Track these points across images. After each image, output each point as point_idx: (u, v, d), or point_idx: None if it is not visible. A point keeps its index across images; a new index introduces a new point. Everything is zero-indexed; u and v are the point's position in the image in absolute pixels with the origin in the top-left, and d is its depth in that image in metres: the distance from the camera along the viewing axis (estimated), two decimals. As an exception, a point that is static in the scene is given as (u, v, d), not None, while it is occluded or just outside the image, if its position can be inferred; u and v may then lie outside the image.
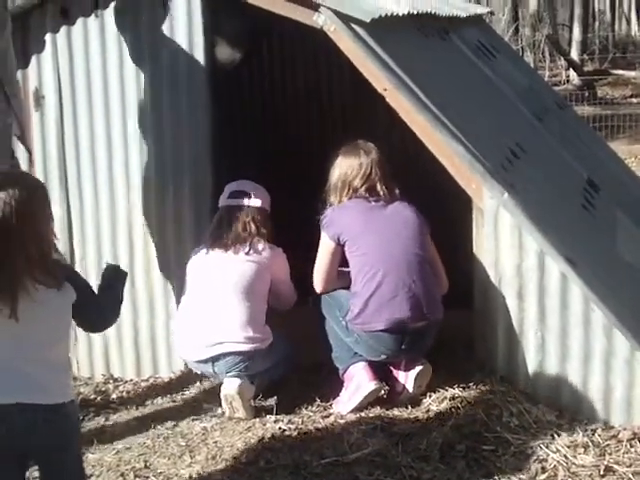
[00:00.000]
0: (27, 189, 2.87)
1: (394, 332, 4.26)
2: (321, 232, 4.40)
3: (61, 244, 4.93)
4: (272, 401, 4.45)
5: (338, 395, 4.40)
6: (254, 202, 4.45)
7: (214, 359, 4.35)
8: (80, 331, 4.96)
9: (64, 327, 3.03)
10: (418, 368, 4.33)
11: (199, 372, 4.51)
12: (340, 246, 4.35)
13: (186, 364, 4.67)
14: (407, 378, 4.32)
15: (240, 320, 4.33)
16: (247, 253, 4.38)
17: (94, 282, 4.72)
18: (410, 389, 4.31)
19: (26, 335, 2.87)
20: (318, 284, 4.44)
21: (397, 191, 4.44)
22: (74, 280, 3.02)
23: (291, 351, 4.54)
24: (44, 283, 2.86)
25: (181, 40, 4.71)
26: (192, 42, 4.71)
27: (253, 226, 4.42)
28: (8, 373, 2.86)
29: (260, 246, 4.40)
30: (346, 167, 4.44)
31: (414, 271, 4.28)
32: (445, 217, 5.35)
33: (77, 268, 4.89)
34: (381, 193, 4.39)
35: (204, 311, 4.37)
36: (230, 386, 4.30)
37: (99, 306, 3.15)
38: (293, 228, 4.81)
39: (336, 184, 4.45)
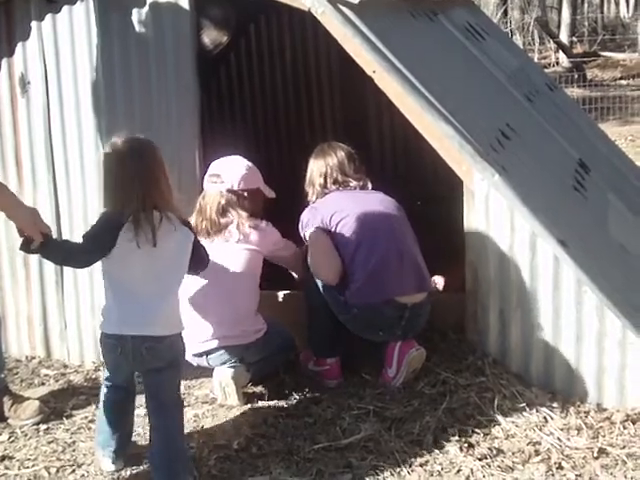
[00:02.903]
0: (153, 146, 3.56)
1: (396, 305, 4.28)
2: (304, 231, 4.42)
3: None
4: (263, 387, 4.42)
5: (328, 380, 4.43)
6: (224, 186, 4.35)
7: (208, 352, 4.32)
8: (70, 319, 4.97)
9: (185, 262, 3.63)
10: (412, 353, 4.31)
11: (195, 364, 4.46)
12: (328, 232, 4.35)
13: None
14: (401, 363, 4.30)
15: (233, 313, 4.30)
16: (232, 240, 4.32)
17: (84, 269, 4.71)
18: (404, 374, 4.30)
19: (160, 261, 3.51)
20: (328, 274, 4.34)
21: (370, 184, 4.57)
22: (189, 226, 3.69)
23: (289, 341, 4.52)
24: (174, 214, 3.54)
25: (168, 24, 4.66)
26: (179, 25, 4.66)
27: (231, 210, 4.34)
28: (134, 304, 3.50)
29: (246, 230, 4.32)
30: (315, 168, 4.57)
31: (410, 243, 4.41)
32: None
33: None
34: (353, 184, 4.51)
35: (196, 304, 4.31)
36: (225, 372, 4.28)
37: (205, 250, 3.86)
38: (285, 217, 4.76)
39: (308, 184, 4.61)
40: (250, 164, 4.48)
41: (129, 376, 3.74)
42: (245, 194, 4.40)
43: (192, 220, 4.36)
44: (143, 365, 3.60)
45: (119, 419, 3.78)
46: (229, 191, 4.36)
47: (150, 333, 3.52)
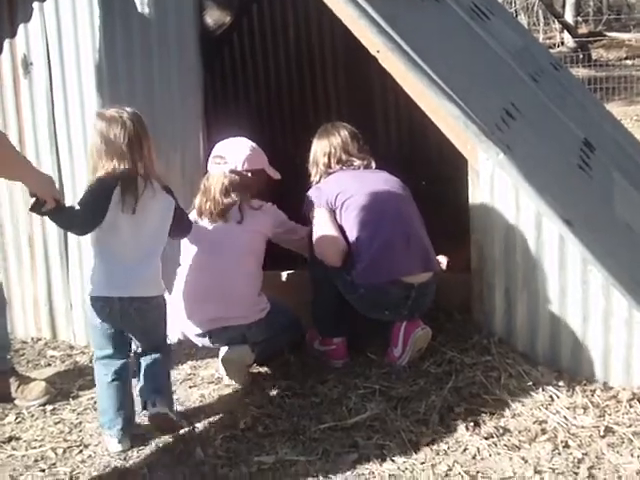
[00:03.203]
0: (139, 115, 3.76)
1: (403, 285, 4.28)
2: (309, 211, 4.40)
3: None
4: (269, 367, 4.43)
5: (338, 358, 4.44)
6: (227, 167, 4.35)
7: (212, 333, 4.33)
8: (75, 300, 4.97)
9: (167, 227, 3.85)
10: (418, 332, 4.31)
11: (199, 345, 4.47)
12: (333, 212, 4.33)
13: (183, 333, 4.64)
14: (407, 342, 4.30)
15: (236, 293, 4.30)
16: (239, 222, 4.32)
17: (89, 250, 4.73)
18: (409, 353, 4.30)
19: (144, 226, 3.74)
20: (333, 255, 4.30)
21: (374, 163, 4.54)
22: (171, 193, 3.87)
23: (293, 321, 4.53)
24: (157, 181, 3.76)
25: (171, 4, 4.64)
26: (182, 6, 4.64)
27: (235, 191, 4.33)
28: (120, 267, 3.73)
29: (249, 211, 4.33)
30: (319, 148, 4.55)
31: (416, 223, 4.40)
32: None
33: (70, 236, 4.87)
34: (357, 164, 4.50)
35: (199, 284, 4.32)
36: (230, 351, 4.29)
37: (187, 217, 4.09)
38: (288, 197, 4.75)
39: (312, 164, 4.58)
40: (254, 145, 4.47)
41: (120, 344, 3.86)
42: (249, 175, 4.39)
43: (196, 201, 4.37)
44: (131, 325, 3.82)
45: (119, 395, 3.84)
46: (233, 172, 4.35)
47: (138, 294, 3.76)
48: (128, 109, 3.74)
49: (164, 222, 3.84)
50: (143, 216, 3.71)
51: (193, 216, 4.36)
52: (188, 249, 4.36)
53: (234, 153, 4.39)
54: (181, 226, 3.99)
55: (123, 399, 3.84)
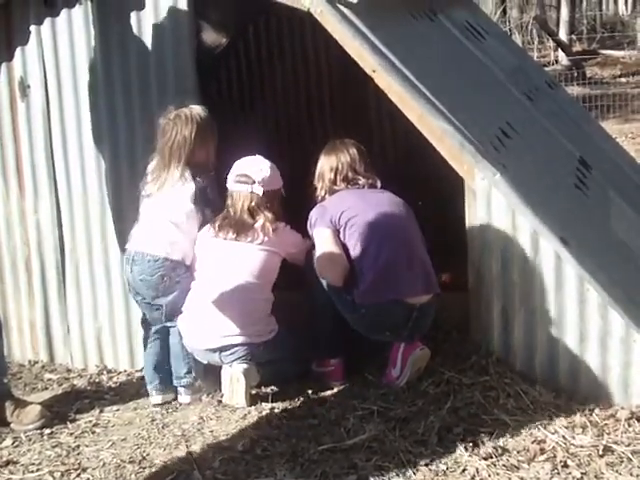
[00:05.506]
0: (189, 118, 4.38)
1: (405, 306, 4.28)
2: (312, 229, 4.40)
3: (51, 236, 4.91)
4: (268, 389, 4.42)
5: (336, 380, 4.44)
6: (257, 189, 4.38)
7: (222, 349, 4.34)
8: (72, 322, 4.96)
9: (181, 212, 4.39)
10: (417, 352, 4.31)
11: (205, 362, 4.47)
12: (337, 231, 4.33)
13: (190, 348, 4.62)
14: (405, 362, 4.30)
15: (250, 312, 4.34)
16: (255, 241, 4.35)
17: (86, 273, 4.75)
18: (408, 373, 4.29)
19: (160, 208, 4.39)
20: (334, 275, 4.32)
21: (379, 182, 4.54)
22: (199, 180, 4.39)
23: (300, 351, 4.51)
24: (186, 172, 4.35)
25: (167, 26, 4.66)
26: (178, 27, 4.65)
27: (259, 212, 4.37)
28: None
29: (270, 232, 4.36)
30: (327, 163, 4.54)
31: (419, 243, 4.41)
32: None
33: (67, 259, 4.87)
34: (362, 183, 4.49)
35: (215, 301, 4.34)
36: (237, 367, 4.30)
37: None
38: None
39: (317, 179, 4.57)
40: (272, 164, 4.51)
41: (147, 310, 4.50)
42: (271, 195, 4.43)
43: (217, 221, 4.41)
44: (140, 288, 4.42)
45: (154, 355, 4.54)
46: (259, 191, 4.39)
47: (142, 250, 4.37)
48: (184, 111, 4.38)
49: (180, 209, 4.37)
50: (162, 199, 4.35)
51: (208, 233, 4.41)
52: (202, 264, 4.40)
53: (259, 172, 4.42)
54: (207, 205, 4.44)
55: (158, 359, 4.50)
